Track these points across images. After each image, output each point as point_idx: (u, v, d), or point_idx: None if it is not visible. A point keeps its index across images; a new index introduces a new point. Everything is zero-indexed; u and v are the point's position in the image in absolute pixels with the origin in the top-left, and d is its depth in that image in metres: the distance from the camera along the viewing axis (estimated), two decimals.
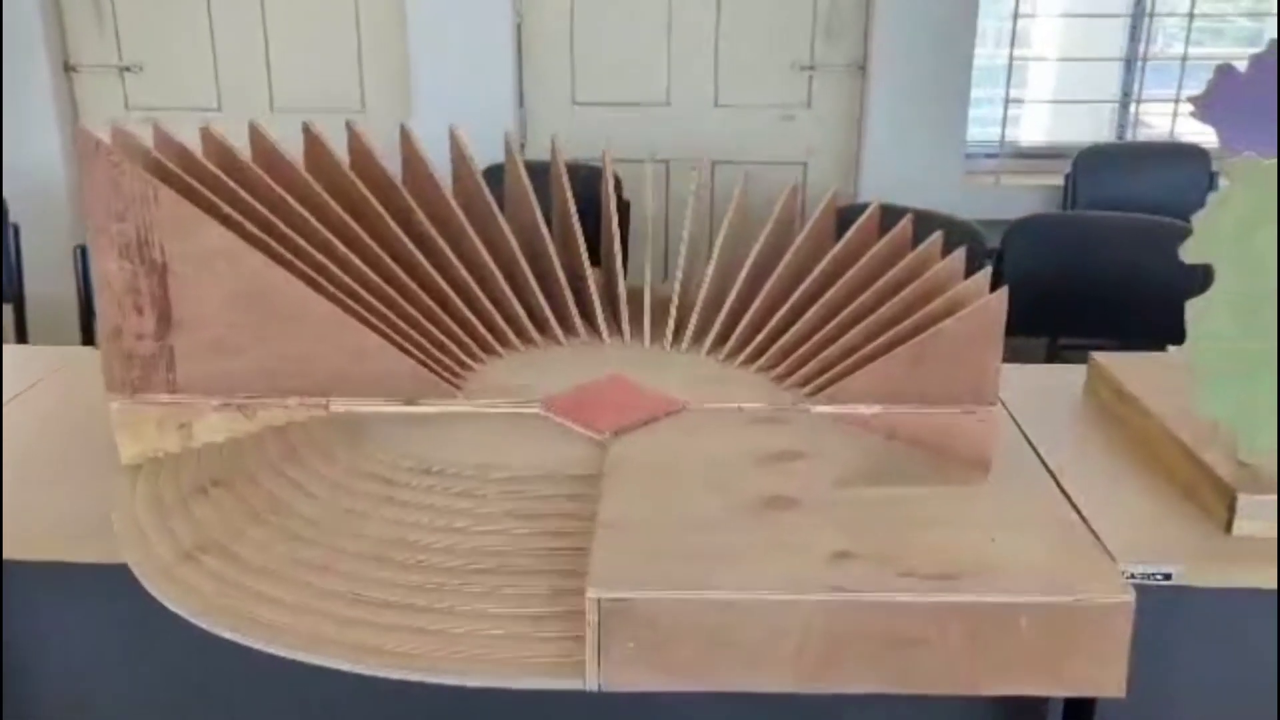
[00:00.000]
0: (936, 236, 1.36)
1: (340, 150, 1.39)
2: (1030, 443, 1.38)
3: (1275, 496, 1.14)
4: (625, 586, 0.86)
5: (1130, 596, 0.84)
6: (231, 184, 1.24)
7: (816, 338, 1.30)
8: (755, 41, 3.34)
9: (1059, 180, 3.34)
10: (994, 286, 1.21)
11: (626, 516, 0.97)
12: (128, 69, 3.44)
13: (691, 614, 0.85)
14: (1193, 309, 1.19)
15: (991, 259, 2.29)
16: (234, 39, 3.40)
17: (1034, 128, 3.74)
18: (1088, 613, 0.83)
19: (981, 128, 3.57)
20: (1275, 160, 1.15)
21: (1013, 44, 3.46)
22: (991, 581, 0.85)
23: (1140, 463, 1.31)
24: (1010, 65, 3.48)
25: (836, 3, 3.28)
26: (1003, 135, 3.56)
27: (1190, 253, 1.17)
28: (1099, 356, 1.53)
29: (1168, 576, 1.10)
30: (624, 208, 2.71)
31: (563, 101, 3.43)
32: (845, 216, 2.59)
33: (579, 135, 3.44)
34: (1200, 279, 1.20)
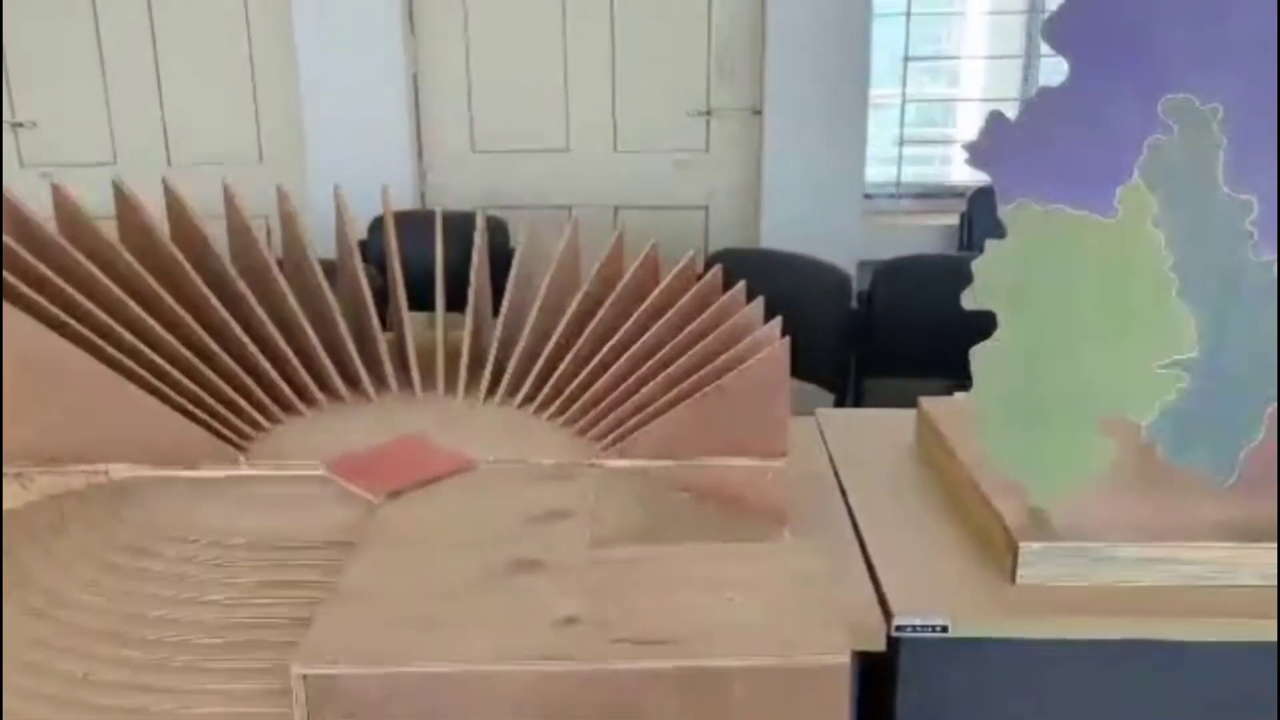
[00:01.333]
0: (739, 287, 1.35)
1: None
2: (843, 491, 1.37)
3: (1059, 543, 1.14)
4: (333, 661, 0.83)
5: (845, 658, 0.82)
6: (18, 248, 1.21)
7: (618, 391, 1.28)
8: (651, 88, 3.36)
9: (955, 220, 3.37)
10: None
11: (365, 586, 0.94)
12: (20, 125, 3.41)
13: (402, 688, 0.82)
14: (977, 356, 1.18)
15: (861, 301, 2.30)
16: (128, 93, 3.38)
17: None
18: (802, 675, 0.81)
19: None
20: (1052, 207, 1.15)
21: (904, 84, 3.50)
22: (708, 645, 0.82)
23: (945, 511, 1.31)
24: (903, 106, 3.52)
25: (730, 49, 3.31)
26: (898, 175, 3.60)
27: (971, 300, 1.17)
28: (926, 401, 1.52)
29: (944, 629, 1.08)
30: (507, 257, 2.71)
31: (462, 150, 3.42)
32: (741, 260, 2.60)
33: (479, 183, 3.44)
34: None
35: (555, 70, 3.35)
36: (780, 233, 3.30)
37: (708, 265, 2.46)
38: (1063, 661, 1.11)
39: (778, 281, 2.48)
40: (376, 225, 2.66)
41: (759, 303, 1.29)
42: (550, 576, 0.95)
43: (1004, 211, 1.16)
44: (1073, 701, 1.14)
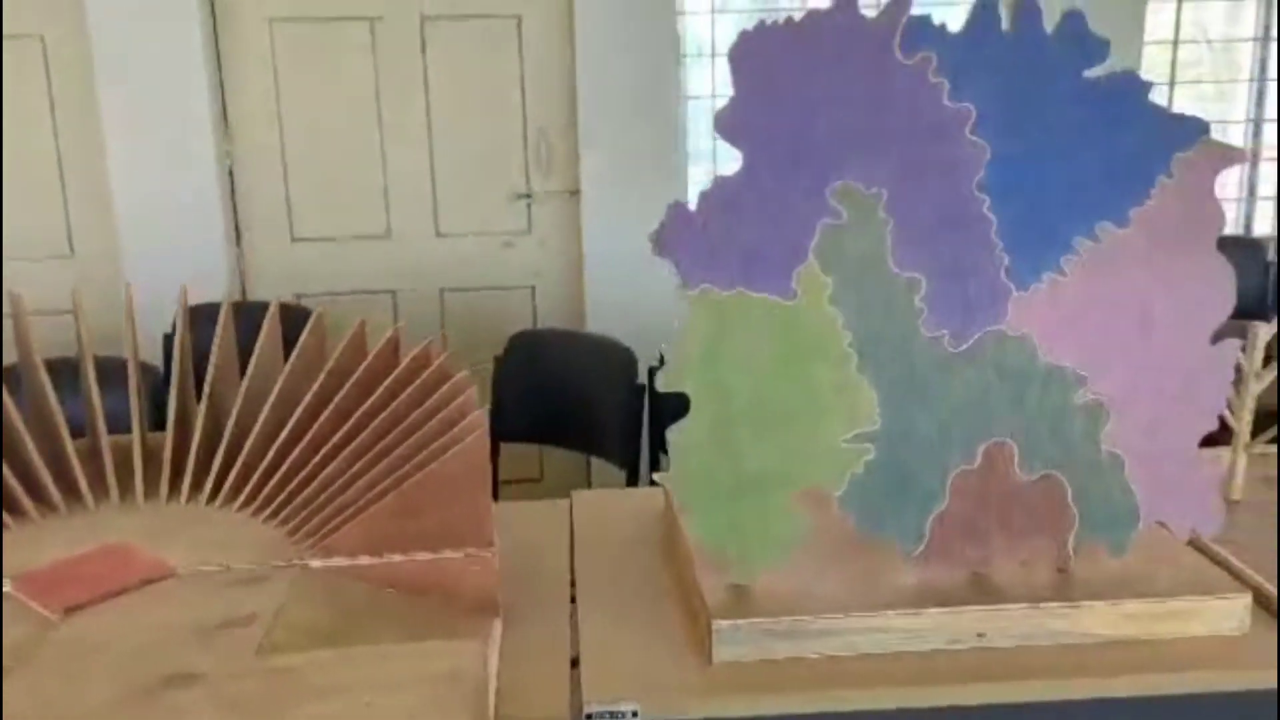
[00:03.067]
0: (461, 375, 1.35)
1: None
2: (573, 575, 1.37)
3: (750, 620, 1.15)
4: None
5: None
6: None
7: (330, 489, 1.27)
8: (471, 173, 3.39)
9: None
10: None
11: (13, 712, 0.90)
12: None
13: None
14: (673, 435, 1.21)
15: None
16: None
17: None
18: None
19: None
20: (733, 291, 1.19)
21: (715, 161, 3.59)
22: None
23: (671, 592, 1.32)
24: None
25: (546, 134, 3.37)
26: None
27: (664, 383, 1.20)
28: (665, 478, 1.54)
29: (634, 714, 1.09)
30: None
31: (281, 239, 3.39)
32: (536, 341, 2.61)
33: (299, 271, 3.41)
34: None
35: (373, 157, 3.35)
36: (603, 311, 3.35)
37: (506, 349, 2.46)
38: None
39: (569, 361, 2.52)
40: (196, 317, 2.61)
41: (471, 392, 1.30)
42: (204, 691, 0.92)
43: (688, 297, 1.20)
44: None
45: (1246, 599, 1.18)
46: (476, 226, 3.43)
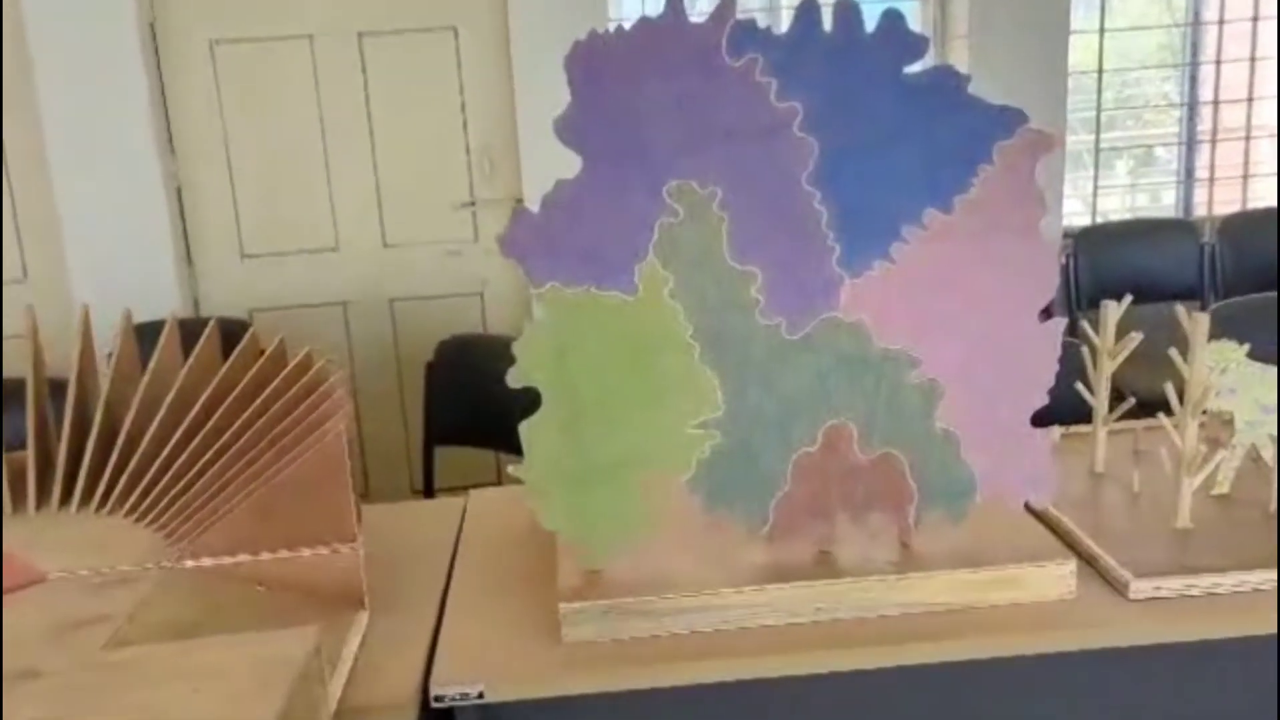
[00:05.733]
0: (336, 377, 1.41)
1: None
2: (451, 568, 1.42)
3: (595, 602, 1.21)
4: None
5: None
6: None
7: (203, 492, 1.32)
8: (416, 183, 3.45)
9: None
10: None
11: None
12: None
13: None
14: (526, 429, 1.26)
15: None
16: None
17: None
18: None
19: None
20: (579, 289, 1.25)
21: None
22: None
23: (537, 579, 1.37)
24: None
25: (488, 144, 3.43)
26: None
27: (514, 378, 1.25)
28: (514, 468, 1.59)
29: (480, 695, 1.14)
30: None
31: (230, 256, 3.45)
32: (464, 346, 2.66)
33: (250, 287, 3.47)
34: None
35: (318, 172, 3.42)
36: None
37: (435, 355, 2.51)
38: (609, 714, 1.18)
39: (499, 364, 2.57)
40: (144, 333, 2.67)
41: (339, 395, 1.35)
42: (44, 684, 0.98)
43: (536, 295, 1.25)
44: None
45: (1072, 565, 1.23)
46: (423, 236, 3.49)
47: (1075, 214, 3.70)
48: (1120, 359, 1.48)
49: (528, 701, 1.15)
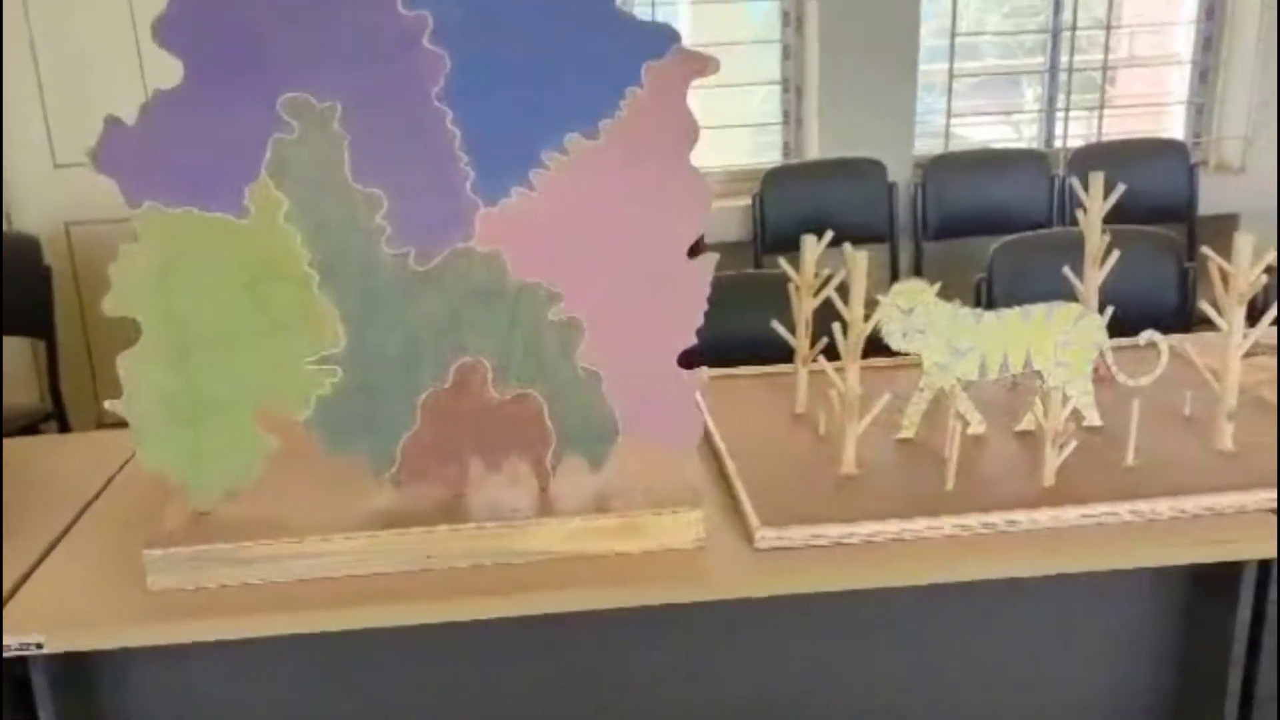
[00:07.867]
0: None
1: None
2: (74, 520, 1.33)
3: (181, 548, 1.13)
4: None
5: None
6: None
7: None
8: None
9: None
10: None
11: None
12: None
13: None
14: (124, 362, 1.17)
15: None
16: None
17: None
18: None
19: None
20: (181, 210, 1.15)
21: None
22: None
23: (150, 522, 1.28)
24: None
25: None
26: None
27: (110, 307, 1.15)
28: (110, 404, 1.48)
29: (39, 646, 1.06)
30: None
31: (44, 165, 3.27)
32: None
33: (66, 198, 3.29)
34: None
35: (133, 78, 3.22)
36: None
37: None
38: (213, 662, 1.11)
39: None
40: None
41: None
42: None
43: (134, 216, 1.15)
44: (230, 701, 1.14)
45: (698, 513, 1.17)
46: None
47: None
48: (821, 298, 1.41)
49: (103, 653, 1.08)
